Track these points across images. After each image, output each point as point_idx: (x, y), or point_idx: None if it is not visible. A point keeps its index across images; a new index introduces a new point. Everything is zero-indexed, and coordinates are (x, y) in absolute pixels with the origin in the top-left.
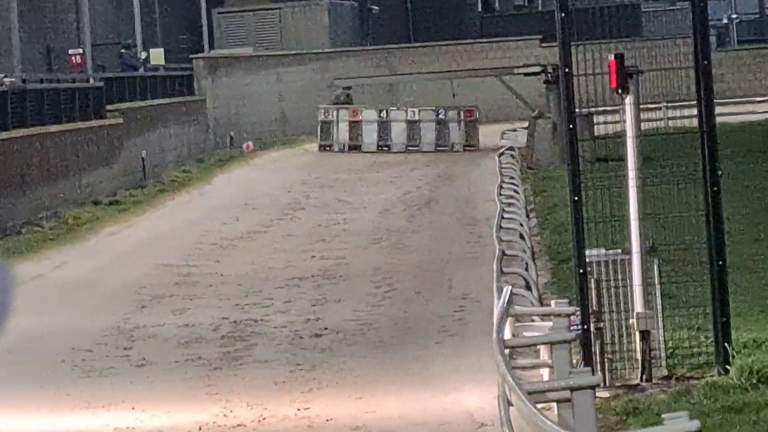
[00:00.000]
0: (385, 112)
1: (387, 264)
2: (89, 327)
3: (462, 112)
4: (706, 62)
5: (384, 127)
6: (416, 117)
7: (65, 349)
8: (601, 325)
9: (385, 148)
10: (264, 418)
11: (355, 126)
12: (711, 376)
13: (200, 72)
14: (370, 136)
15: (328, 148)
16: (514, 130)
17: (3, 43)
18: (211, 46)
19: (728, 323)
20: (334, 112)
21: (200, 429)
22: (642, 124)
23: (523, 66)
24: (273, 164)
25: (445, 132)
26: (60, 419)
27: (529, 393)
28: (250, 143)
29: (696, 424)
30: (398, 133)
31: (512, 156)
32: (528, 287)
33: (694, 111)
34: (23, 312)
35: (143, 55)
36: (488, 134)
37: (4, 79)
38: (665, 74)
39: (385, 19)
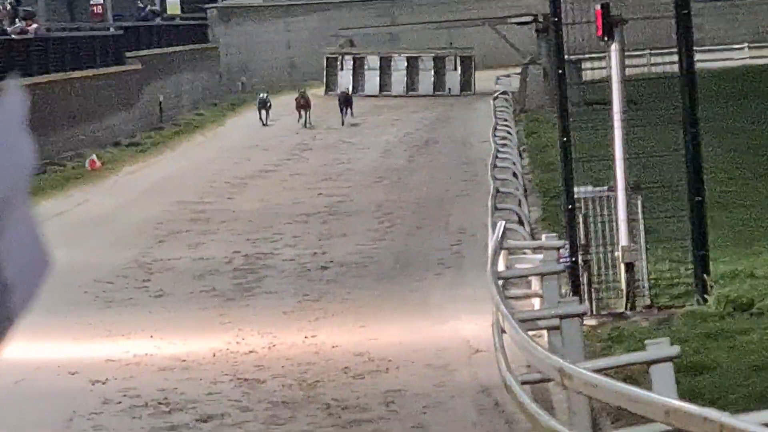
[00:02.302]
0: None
1: (388, 201)
2: (110, 260)
3: (458, 57)
4: (685, 12)
5: (385, 72)
6: (416, 62)
7: (87, 281)
8: (589, 257)
9: (387, 92)
10: (274, 345)
11: (357, 72)
12: (690, 305)
13: (213, 21)
14: (372, 81)
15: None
16: (508, 76)
17: None
18: None
19: (706, 256)
20: (339, 58)
21: (214, 355)
22: (626, 69)
23: (516, 15)
24: (281, 108)
25: (443, 77)
26: (82, 347)
27: (521, 321)
28: (95, 158)
29: (676, 349)
30: (398, 78)
31: (506, 100)
32: (520, 222)
33: (675, 58)
34: (48, 246)
35: (154, 7)
36: (483, 80)
37: (27, 27)
38: (648, 23)
39: None
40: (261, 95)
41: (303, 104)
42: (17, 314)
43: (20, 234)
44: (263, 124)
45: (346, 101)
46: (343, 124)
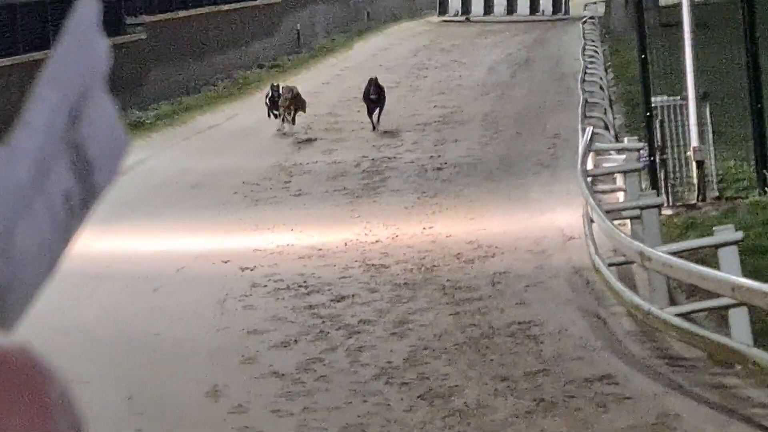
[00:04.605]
0: None
1: (493, 111)
2: (256, 165)
3: None
4: None
5: None
6: None
7: (237, 183)
8: (665, 157)
9: (490, 14)
10: (397, 236)
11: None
12: (753, 196)
13: None
14: (477, 4)
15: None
16: (595, 2)
17: None
18: None
19: (766, 154)
20: None
21: (346, 245)
22: None
23: None
24: (401, 34)
25: (537, 3)
26: (234, 238)
27: (607, 212)
28: None
29: (740, 234)
30: (499, 2)
31: (593, 24)
32: (606, 128)
33: None
34: (204, 154)
35: None
36: (574, 6)
37: None
38: None
39: None
40: (272, 86)
41: (290, 103)
42: (102, 189)
43: (99, 120)
44: (278, 130)
45: (377, 97)
46: (374, 129)
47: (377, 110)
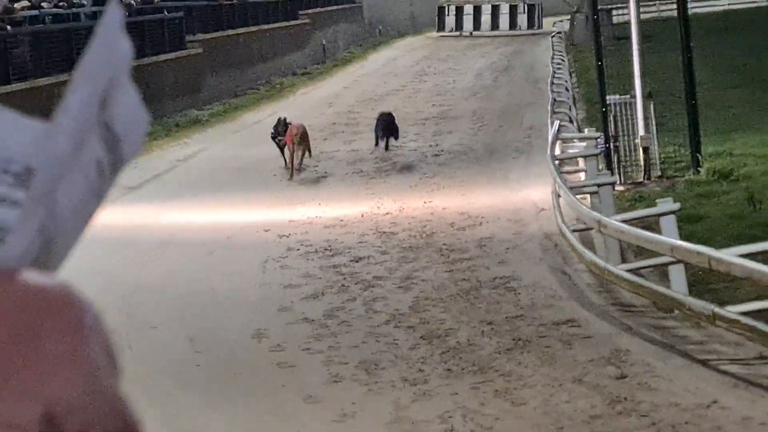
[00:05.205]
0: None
1: (480, 109)
2: None
3: (525, 4)
4: None
5: (477, 16)
6: (497, 9)
7: (276, 167)
8: (617, 144)
9: (477, 32)
10: (403, 209)
11: (458, 17)
12: (688, 175)
13: None
14: (468, 22)
15: (442, 35)
16: (561, 21)
17: None
18: None
19: (699, 140)
20: (446, 7)
21: (362, 216)
22: (642, 14)
23: None
24: (406, 47)
25: (515, 18)
26: (272, 212)
27: (571, 188)
28: None
29: (678, 205)
30: (485, 20)
31: (560, 38)
32: (570, 121)
33: (675, 6)
34: (249, 145)
35: None
36: (545, 24)
37: None
38: None
39: None
40: (279, 120)
41: (297, 139)
42: (127, 159)
43: (125, 103)
44: (285, 166)
45: (388, 128)
46: (385, 148)
47: (387, 138)
